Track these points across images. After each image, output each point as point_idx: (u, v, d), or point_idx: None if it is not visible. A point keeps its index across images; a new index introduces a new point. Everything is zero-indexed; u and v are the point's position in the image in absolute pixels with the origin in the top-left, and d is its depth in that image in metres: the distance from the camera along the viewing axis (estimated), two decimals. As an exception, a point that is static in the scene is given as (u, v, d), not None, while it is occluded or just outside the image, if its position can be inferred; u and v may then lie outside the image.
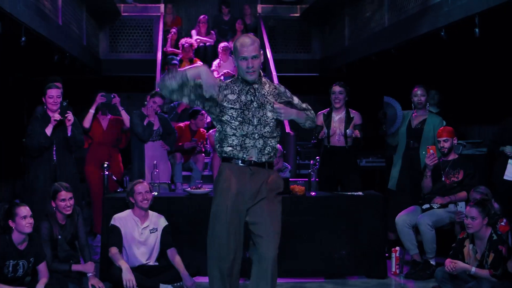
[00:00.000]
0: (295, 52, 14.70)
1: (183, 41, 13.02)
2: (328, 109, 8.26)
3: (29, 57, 9.59)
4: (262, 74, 5.09)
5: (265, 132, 4.97)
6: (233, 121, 4.90)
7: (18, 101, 10.83)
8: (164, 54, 13.29)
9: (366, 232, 7.27)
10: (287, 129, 11.12)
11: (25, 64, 10.36)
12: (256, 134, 4.94)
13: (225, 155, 4.98)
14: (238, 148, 4.93)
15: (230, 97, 4.90)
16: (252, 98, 4.92)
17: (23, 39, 7.89)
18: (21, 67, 10.61)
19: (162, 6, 14.59)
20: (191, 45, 12.93)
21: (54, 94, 7.36)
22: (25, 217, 5.82)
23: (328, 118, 8.17)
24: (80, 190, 8.24)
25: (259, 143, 4.96)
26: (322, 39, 14.62)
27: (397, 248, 7.42)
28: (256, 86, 4.95)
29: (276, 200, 5.07)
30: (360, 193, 7.60)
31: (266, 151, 4.99)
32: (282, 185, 5.18)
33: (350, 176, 8.11)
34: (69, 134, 7.36)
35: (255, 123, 4.92)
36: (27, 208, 5.90)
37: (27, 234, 5.88)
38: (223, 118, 4.92)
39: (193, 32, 14.14)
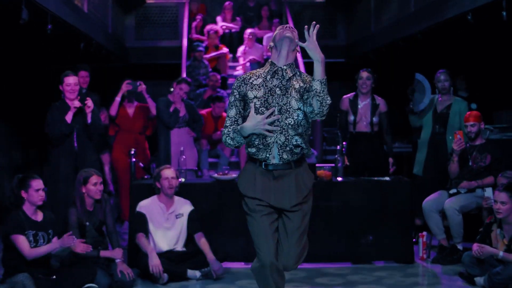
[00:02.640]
0: (320, 38, 14.49)
1: (208, 27, 13.02)
2: (354, 93, 8.22)
3: (55, 45, 9.63)
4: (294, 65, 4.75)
5: (287, 125, 4.53)
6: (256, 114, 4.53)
7: (44, 90, 10.89)
8: (190, 41, 13.28)
9: (393, 217, 7.27)
10: (313, 115, 11.09)
11: (52, 52, 10.40)
12: (278, 127, 4.51)
13: (251, 155, 4.65)
14: (261, 146, 4.56)
15: (255, 81, 4.61)
16: (278, 82, 4.57)
17: (49, 26, 7.92)
18: (48, 55, 10.66)
19: (187, -7, 14.58)
20: (216, 31, 12.92)
21: (71, 82, 7.36)
22: (38, 190, 5.92)
23: (353, 104, 8.14)
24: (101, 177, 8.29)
25: (280, 140, 4.53)
26: (347, 25, 14.53)
27: (424, 233, 7.40)
28: (284, 67, 4.62)
29: (306, 206, 4.68)
30: (386, 178, 7.58)
31: (288, 149, 4.55)
32: (311, 184, 4.72)
33: (377, 162, 8.08)
34: (88, 121, 7.37)
35: (276, 112, 4.53)
36: (40, 181, 5.98)
37: (36, 206, 5.98)
38: (246, 114, 4.60)
39: (218, 18, 14.12)
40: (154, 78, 13.00)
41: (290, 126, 4.53)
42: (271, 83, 4.59)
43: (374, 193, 7.35)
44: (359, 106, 8.12)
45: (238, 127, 4.52)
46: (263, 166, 4.57)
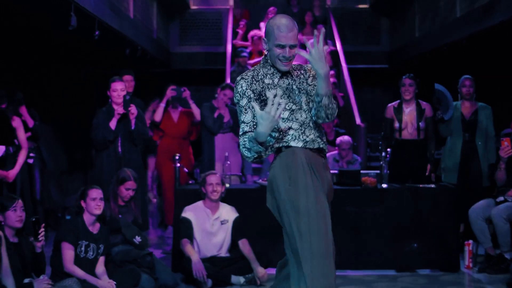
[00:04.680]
0: (364, 44, 14.58)
1: (252, 33, 13.04)
2: (398, 101, 8.17)
3: (102, 50, 9.74)
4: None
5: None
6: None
7: (91, 95, 11.02)
8: (234, 47, 13.33)
9: (438, 225, 7.20)
10: (358, 121, 11.07)
11: (99, 57, 10.52)
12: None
13: None
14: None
15: (266, 80, 4.19)
16: (290, 81, 4.21)
17: (96, 32, 8.02)
18: (95, 60, 10.79)
19: (231, -1, 14.66)
20: (260, 37, 12.92)
21: (118, 87, 7.42)
22: (94, 199, 5.97)
23: (398, 111, 8.09)
24: (145, 182, 8.36)
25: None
26: (391, 31, 14.49)
27: (470, 241, 7.32)
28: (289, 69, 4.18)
29: None
30: (432, 185, 7.52)
31: None
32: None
33: (422, 168, 8.01)
34: (132, 127, 7.42)
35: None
36: (99, 191, 6.04)
37: (96, 217, 6.03)
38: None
39: (262, 24, 14.12)
40: (197, 83, 13.09)
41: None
42: (283, 83, 4.21)
43: (419, 200, 7.29)
44: (404, 113, 8.06)
45: (253, 134, 3.98)
46: None
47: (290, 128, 4.15)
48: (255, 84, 4.16)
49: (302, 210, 3.96)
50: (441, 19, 11.05)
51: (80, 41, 8.69)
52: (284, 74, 4.19)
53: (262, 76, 4.18)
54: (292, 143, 4.15)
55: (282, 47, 4.06)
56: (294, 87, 4.19)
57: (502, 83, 10.65)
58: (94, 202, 5.98)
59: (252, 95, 4.13)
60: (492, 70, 10.55)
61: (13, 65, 9.66)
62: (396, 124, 8.07)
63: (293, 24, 4.10)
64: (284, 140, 4.15)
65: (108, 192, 6.56)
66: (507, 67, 10.40)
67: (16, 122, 7.65)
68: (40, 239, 5.56)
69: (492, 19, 8.70)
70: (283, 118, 4.13)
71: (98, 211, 6.01)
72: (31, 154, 8.42)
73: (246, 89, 4.14)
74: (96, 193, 6.01)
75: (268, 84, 4.16)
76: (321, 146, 4.23)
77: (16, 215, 5.49)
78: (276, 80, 4.17)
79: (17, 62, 9.71)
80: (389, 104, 8.21)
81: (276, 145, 4.16)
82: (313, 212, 3.95)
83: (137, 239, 6.45)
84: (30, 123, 8.55)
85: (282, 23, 4.06)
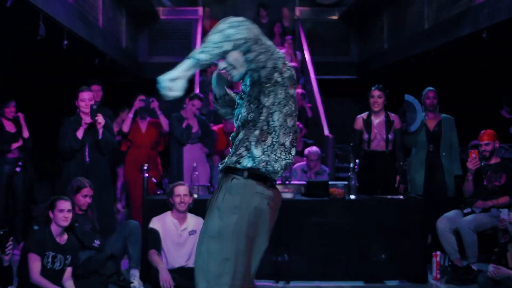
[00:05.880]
0: (333, 54, 14.64)
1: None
2: (367, 112, 8.19)
3: (71, 60, 9.68)
4: None
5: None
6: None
7: (59, 104, 10.93)
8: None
9: (406, 236, 7.23)
10: (326, 132, 11.09)
11: (67, 67, 10.46)
12: None
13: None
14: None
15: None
16: None
17: (65, 42, 7.97)
18: (63, 70, 10.72)
19: (200, 9, 14.62)
20: (228, 47, 12.91)
21: (86, 97, 7.37)
22: (62, 210, 5.95)
23: (367, 123, 8.11)
24: (112, 192, 8.33)
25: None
26: (360, 42, 14.56)
27: (438, 252, 7.35)
28: None
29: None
30: (400, 196, 7.56)
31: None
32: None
33: (390, 180, 8.04)
34: (100, 137, 7.38)
35: None
36: (68, 202, 6.01)
37: (63, 228, 5.98)
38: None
39: (231, 34, 14.13)
40: (166, 93, 13.02)
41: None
42: None
43: (387, 212, 7.31)
44: (373, 125, 8.08)
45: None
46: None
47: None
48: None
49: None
50: (409, 30, 11.13)
51: (48, 51, 8.63)
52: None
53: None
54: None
55: None
56: None
57: (468, 94, 10.74)
58: (62, 214, 5.93)
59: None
60: (459, 81, 10.64)
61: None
62: (365, 136, 8.09)
63: None
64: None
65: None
66: (474, 78, 10.51)
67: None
68: (7, 252, 5.50)
69: (459, 31, 8.78)
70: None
71: (65, 223, 5.97)
72: (19, 163, 8.58)
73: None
74: (64, 204, 5.97)
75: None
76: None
77: None
78: None
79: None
80: (358, 116, 8.23)
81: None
82: None
83: (96, 242, 6.45)
84: (26, 134, 8.55)
85: None
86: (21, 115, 8.61)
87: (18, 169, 8.53)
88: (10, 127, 8.55)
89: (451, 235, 7.31)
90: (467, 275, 7.09)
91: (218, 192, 3.72)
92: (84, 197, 6.56)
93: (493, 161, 7.47)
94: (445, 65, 10.50)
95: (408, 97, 8.32)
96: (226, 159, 3.74)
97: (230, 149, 3.78)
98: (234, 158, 3.67)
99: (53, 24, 7.47)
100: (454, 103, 9.34)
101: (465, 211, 7.36)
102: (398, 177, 8.04)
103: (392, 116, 8.13)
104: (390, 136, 8.01)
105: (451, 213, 7.45)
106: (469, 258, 7.17)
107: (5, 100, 8.61)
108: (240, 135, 3.68)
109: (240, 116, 3.71)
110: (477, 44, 8.51)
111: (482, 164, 7.47)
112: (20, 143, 8.53)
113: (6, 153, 8.44)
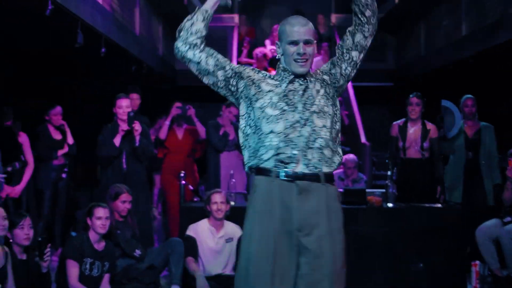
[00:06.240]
0: (369, 61, 14.53)
1: (257, 51, 13.04)
2: (404, 119, 8.14)
3: (108, 67, 9.75)
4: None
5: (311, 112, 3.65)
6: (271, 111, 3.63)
7: (97, 111, 11.02)
8: (239, 64, 13.31)
9: (445, 245, 7.16)
10: (363, 140, 11.05)
11: (104, 74, 10.54)
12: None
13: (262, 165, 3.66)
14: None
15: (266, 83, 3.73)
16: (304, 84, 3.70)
17: (103, 50, 8.03)
18: (100, 77, 10.80)
19: (236, 16, 14.66)
20: (264, 54, 12.93)
21: (123, 104, 7.41)
22: (99, 218, 5.99)
23: (403, 130, 8.06)
24: (149, 199, 8.37)
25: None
26: (396, 49, 14.49)
27: (477, 262, 7.27)
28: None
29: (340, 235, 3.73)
30: (438, 204, 7.49)
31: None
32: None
33: (427, 188, 7.97)
34: (136, 144, 7.42)
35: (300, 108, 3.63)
36: (106, 210, 6.05)
37: (101, 235, 6.01)
38: (256, 104, 3.68)
39: (267, 41, 14.13)
40: (203, 100, 13.05)
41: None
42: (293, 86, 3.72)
43: (424, 220, 7.25)
44: (409, 132, 8.03)
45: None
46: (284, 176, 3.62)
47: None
48: (254, 81, 3.74)
49: None
50: (447, 37, 11.05)
51: (86, 58, 8.70)
52: (297, 78, 3.69)
53: (262, 80, 3.74)
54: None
55: (296, 43, 3.62)
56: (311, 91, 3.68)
57: (507, 102, 10.62)
58: (100, 221, 5.97)
59: (240, 73, 3.77)
60: (498, 88, 10.53)
61: (19, 82, 9.67)
62: (400, 143, 8.04)
63: (307, 21, 3.68)
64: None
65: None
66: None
67: (22, 138, 7.70)
68: (45, 259, 5.54)
69: (498, 37, 8.69)
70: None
71: (103, 231, 6.01)
72: (65, 169, 8.66)
73: (244, 69, 3.80)
74: (102, 212, 6.00)
75: (262, 90, 3.69)
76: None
77: (23, 233, 5.48)
78: (283, 85, 3.68)
79: (23, 79, 9.72)
80: (394, 122, 8.19)
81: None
82: None
83: (137, 252, 6.47)
84: (70, 140, 8.64)
85: (294, 20, 3.69)
86: (65, 123, 8.68)
87: (64, 175, 8.63)
88: (56, 135, 8.63)
89: (491, 244, 7.23)
90: (507, 285, 7.02)
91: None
92: (123, 203, 6.58)
93: (534, 169, 7.38)
94: (483, 72, 10.40)
95: (445, 102, 8.27)
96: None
97: None
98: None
99: (91, 32, 7.53)
100: (493, 110, 9.24)
101: (505, 220, 7.28)
102: (439, 188, 7.94)
103: (429, 125, 8.07)
104: (425, 145, 7.94)
105: (491, 222, 7.37)
106: (509, 268, 7.09)
107: (51, 105, 8.68)
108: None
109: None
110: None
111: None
112: (65, 150, 8.60)
113: (52, 160, 8.52)
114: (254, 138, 3.69)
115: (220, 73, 3.80)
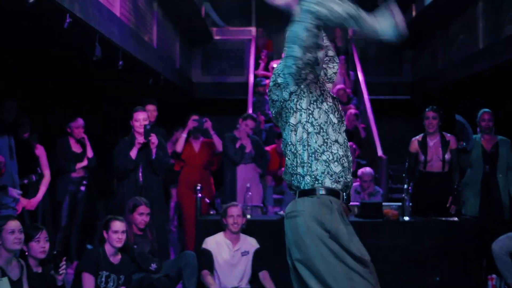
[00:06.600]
0: (386, 74, 14.55)
1: (273, 63, 13.08)
2: (422, 134, 8.12)
3: (125, 80, 9.80)
4: None
5: None
6: (335, 119, 3.65)
7: (114, 123, 11.06)
8: (256, 76, 13.36)
9: (461, 258, 7.15)
10: (379, 153, 11.02)
11: (121, 86, 10.59)
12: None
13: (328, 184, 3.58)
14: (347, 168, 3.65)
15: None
16: None
17: (120, 63, 8.07)
18: (118, 89, 10.86)
19: (253, 29, 14.70)
20: (282, 67, 12.93)
21: (140, 117, 7.45)
22: (116, 231, 5.99)
23: (423, 144, 8.04)
24: (166, 212, 8.38)
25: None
26: (413, 62, 14.46)
27: (494, 276, 7.24)
28: None
29: None
30: (454, 218, 7.47)
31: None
32: None
33: (446, 201, 7.94)
34: (153, 157, 7.44)
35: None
36: (123, 223, 6.06)
37: (117, 248, 6.02)
38: (322, 106, 3.63)
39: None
40: (219, 113, 13.11)
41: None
42: None
43: (441, 233, 7.25)
44: (429, 146, 8.01)
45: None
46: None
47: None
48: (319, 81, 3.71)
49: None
50: (463, 50, 11.03)
51: (104, 71, 8.76)
52: None
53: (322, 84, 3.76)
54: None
55: None
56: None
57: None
58: (116, 235, 5.98)
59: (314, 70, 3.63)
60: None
61: (38, 94, 9.73)
62: (421, 157, 8.01)
63: None
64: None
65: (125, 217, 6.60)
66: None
67: (39, 150, 7.74)
68: (60, 272, 5.56)
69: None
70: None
71: (119, 244, 6.02)
72: (84, 182, 8.64)
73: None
74: (119, 225, 6.02)
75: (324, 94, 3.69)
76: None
77: (39, 246, 5.50)
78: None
79: (41, 92, 9.78)
80: (413, 138, 8.17)
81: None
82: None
83: (153, 266, 6.47)
84: (90, 153, 8.67)
85: None
86: (85, 136, 8.71)
87: (82, 188, 8.63)
88: (76, 148, 8.65)
89: (507, 258, 7.19)
90: (523, 299, 6.98)
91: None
92: (140, 215, 6.59)
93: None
94: (500, 86, 10.37)
95: (458, 117, 8.28)
96: None
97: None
98: None
99: (109, 45, 7.58)
100: (510, 125, 9.20)
101: (522, 234, 7.26)
102: (450, 198, 7.92)
103: (448, 136, 8.05)
104: (447, 157, 7.93)
105: (507, 236, 7.33)
106: (525, 282, 7.06)
107: (73, 117, 8.72)
108: None
109: None
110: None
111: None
112: (85, 163, 8.62)
113: (70, 173, 8.54)
114: (318, 139, 3.58)
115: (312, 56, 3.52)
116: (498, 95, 10.57)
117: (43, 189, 7.80)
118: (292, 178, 3.63)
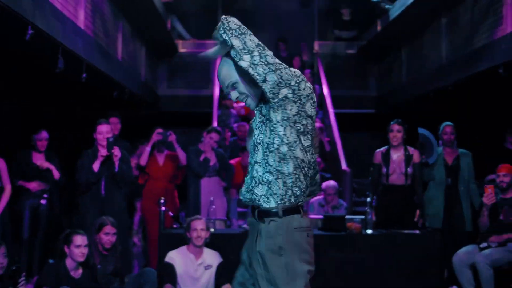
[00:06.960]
0: (351, 88, 14.63)
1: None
2: (386, 147, 8.18)
3: (89, 92, 9.75)
4: None
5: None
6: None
7: (77, 136, 11.00)
8: (221, 90, 13.36)
9: (423, 270, 7.19)
10: (343, 166, 11.07)
11: (85, 99, 10.53)
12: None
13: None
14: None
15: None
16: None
17: (84, 75, 8.03)
18: (81, 102, 10.80)
19: (219, 43, 14.69)
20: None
21: (103, 130, 7.42)
22: (78, 246, 5.95)
23: (386, 157, 8.09)
24: (127, 225, 8.32)
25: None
26: (378, 76, 14.57)
27: (454, 287, 7.31)
28: None
29: None
30: (417, 231, 7.52)
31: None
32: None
33: (409, 214, 7.98)
34: (116, 170, 7.42)
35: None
36: (84, 237, 6.02)
37: (78, 262, 5.97)
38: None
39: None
40: (184, 126, 13.09)
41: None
42: None
43: (404, 246, 7.29)
44: (392, 159, 8.06)
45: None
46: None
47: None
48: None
49: None
50: (428, 65, 11.15)
51: (67, 83, 8.70)
52: None
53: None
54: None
55: None
56: None
57: (485, 130, 10.70)
58: (78, 250, 5.94)
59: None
60: (477, 115, 10.62)
61: None
62: (384, 170, 8.07)
63: None
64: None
65: (91, 236, 6.54)
66: (492, 113, 10.47)
67: (0, 164, 7.65)
68: None
69: (476, 66, 8.78)
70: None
71: (81, 259, 5.98)
72: (44, 195, 8.37)
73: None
74: (80, 240, 5.98)
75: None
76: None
77: None
78: None
79: (1, 103, 9.70)
80: (377, 150, 8.22)
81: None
82: None
83: (115, 286, 6.42)
84: (56, 175, 8.46)
85: None
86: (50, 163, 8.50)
87: (43, 201, 8.33)
88: (38, 160, 8.38)
89: (468, 270, 7.26)
90: (484, 310, 7.04)
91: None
92: (106, 235, 6.52)
93: (510, 195, 7.44)
94: (463, 100, 10.49)
95: (421, 130, 8.37)
96: None
97: None
98: None
99: (72, 57, 7.53)
100: (471, 138, 9.32)
101: (481, 245, 7.32)
102: (418, 212, 7.97)
103: (411, 150, 8.10)
104: (409, 170, 7.98)
105: (468, 248, 7.41)
106: (485, 294, 7.11)
107: (36, 129, 8.52)
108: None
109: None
110: (494, 80, 8.51)
111: (499, 198, 7.44)
112: (42, 186, 8.41)
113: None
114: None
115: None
116: (461, 110, 10.70)
117: (3, 203, 7.70)
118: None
